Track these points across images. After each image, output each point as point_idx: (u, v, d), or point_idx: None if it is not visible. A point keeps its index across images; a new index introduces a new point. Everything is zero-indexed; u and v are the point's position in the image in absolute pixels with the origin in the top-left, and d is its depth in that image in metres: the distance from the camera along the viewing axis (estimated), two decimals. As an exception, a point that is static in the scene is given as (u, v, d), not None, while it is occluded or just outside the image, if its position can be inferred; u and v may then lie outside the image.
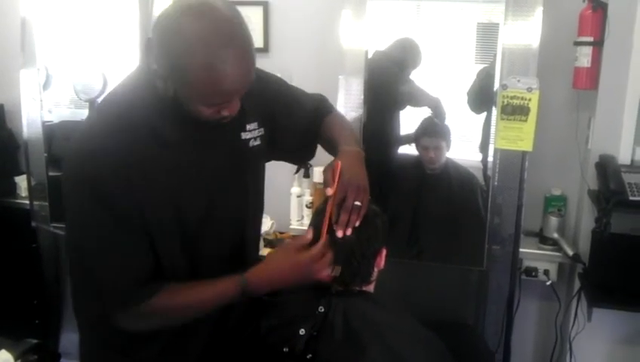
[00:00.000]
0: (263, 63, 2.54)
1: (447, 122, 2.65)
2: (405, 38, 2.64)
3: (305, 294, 1.50)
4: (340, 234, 1.38)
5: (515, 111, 2.27)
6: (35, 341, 2.18)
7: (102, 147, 1.22)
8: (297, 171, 2.75)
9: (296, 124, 1.55)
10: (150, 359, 1.44)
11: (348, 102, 2.49)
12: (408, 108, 2.73)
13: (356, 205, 1.38)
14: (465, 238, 2.65)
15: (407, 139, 2.78)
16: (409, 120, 2.73)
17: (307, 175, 2.80)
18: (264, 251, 2.69)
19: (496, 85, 2.31)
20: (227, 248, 1.45)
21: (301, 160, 1.65)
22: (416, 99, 2.69)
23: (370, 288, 1.53)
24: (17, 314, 3.08)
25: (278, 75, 2.71)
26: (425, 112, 2.68)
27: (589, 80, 2.33)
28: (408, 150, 2.76)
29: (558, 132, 2.53)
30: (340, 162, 1.38)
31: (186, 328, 1.43)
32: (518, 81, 2.23)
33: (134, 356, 1.43)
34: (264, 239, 2.75)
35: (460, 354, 2.05)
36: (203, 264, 1.40)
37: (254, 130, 1.45)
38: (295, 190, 2.82)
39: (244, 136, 1.43)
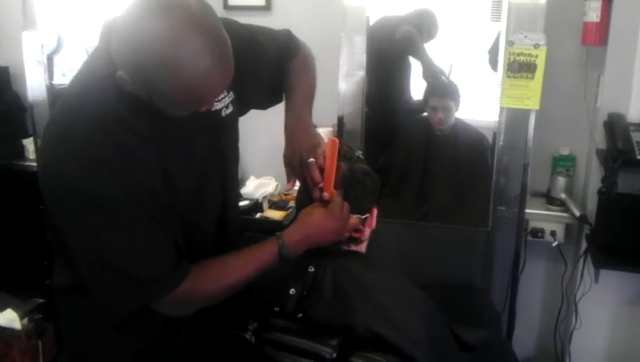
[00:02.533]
0: (264, 22, 2.50)
1: (457, 82, 2.60)
2: (424, 8, 2.59)
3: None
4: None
5: (521, 68, 2.22)
6: (40, 300, 2.22)
7: (79, 154, 1.13)
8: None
9: (262, 77, 1.50)
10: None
11: (350, 61, 2.44)
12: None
13: (310, 161, 1.37)
14: (471, 199, 2.62)
15: (420, 105, 2.73)
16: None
17: (312, 136, 2.76)
18: (269, 212, 2.69)
19: (503, 42, 2.24)
20: (212, 216, 1.42)
21: (270, 105, 1.60)
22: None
23: (362, 248, 1.52)
24: (28, 275, 3.13)
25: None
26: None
27: (598, 35, 2.25)
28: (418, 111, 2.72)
29: (566, 90, 2.46)
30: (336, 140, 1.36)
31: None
32: (525, 37, 2.17)
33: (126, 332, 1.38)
34: (269, 201, 2.74)
35: (465, 315, 2.05)
36: (195, 235, 1.35)
37: (224, 97, 1.39)
38: (300, 151, 2.77)
39: (216, 106, 1.37)
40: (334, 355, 1.30)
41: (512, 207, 2.38)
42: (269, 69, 1.51)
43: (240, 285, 1.32)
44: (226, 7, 2.81)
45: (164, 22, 1.02)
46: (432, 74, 2.63)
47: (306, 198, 1.42)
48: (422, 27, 2.60)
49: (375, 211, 1.51)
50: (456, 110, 2.64)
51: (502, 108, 2.30)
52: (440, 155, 2.74)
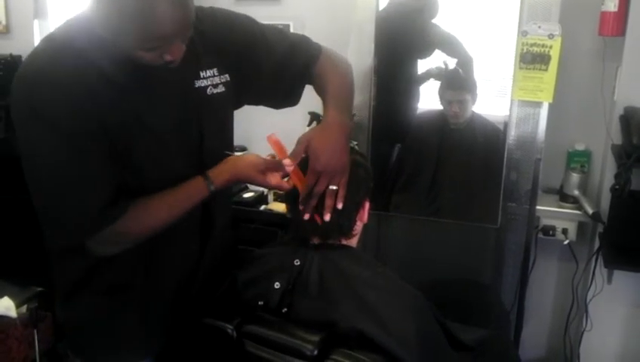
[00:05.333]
0: (273, 11, 2.47)
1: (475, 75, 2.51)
2: None
3: (283, 247, 1.45)
4: (306, 217, 1.36)
5: (534, 59, 2.15)
6: (39, 289, 2.21)
7: (48, 70, 1.18)
8: (310, 123, 2.68)
9: (264, 69, 1.47)
10: (123, 306, 1.42)
11: (359, 51, 2.39)
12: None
13: (331, 189, 1.33)
14: (483, 195, 2.55)
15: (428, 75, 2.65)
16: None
17: (320, 127, 2.71)
18: (274, 205, 2.65)
19: (516, 32, 2.17)
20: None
21: (281, 106, 1.57)
22: (450, 45, 2.55)
23: (352, 242, 1.46)
24: (26, 263, 3.13)
25: (290, 23, 2.69)
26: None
27: (615, 26, 2.15)
28: (432, 103, 2.64)
29: (582, 82, 2.37)
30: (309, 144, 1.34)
31: (153, 286, 1.41)
32: (539, 27, 2.11)
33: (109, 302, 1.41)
34: (274, 193, 2.70)
35: (474, 312, 2.00)
36: None
37: (213, 76, 1.38)
38: (308, 142, 2.73)
39: (200, 83, 1.36)
40: (315, 352, 1.24)
41: (522, 204, 2.33)
42: (274, 64, 1.46)
43: (170, 221, 1.34)
44: (236, -3, 2.77)
45: None
46: (468, 69, 2.55)
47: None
48: (423, 9, 2.52)
49: (367, 204, 1.45)
50: (473, 104, 2.56)
51: (513, 101, 2.24)
52: (454, 150, 2.66)
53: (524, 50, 2.14)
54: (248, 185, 2.73)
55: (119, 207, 1.26)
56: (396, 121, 2.72)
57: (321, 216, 1.35)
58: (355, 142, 1.53)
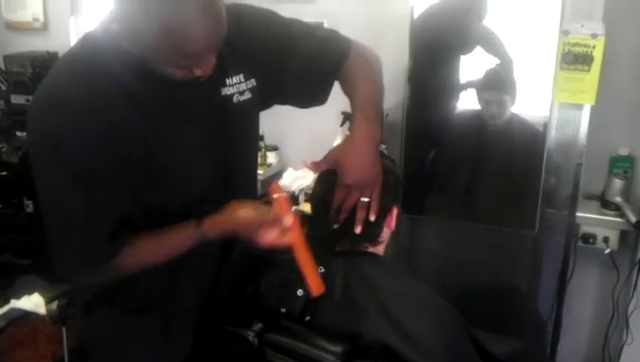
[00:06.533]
0: (307, 9, 2.43)
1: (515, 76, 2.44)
2: None
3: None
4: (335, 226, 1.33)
5: (576, 60, 2.06)
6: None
7: (63, 96, 1.13)
8: (343, 123, 2.63)
9: (297, 69, 1.39)
10: (145, 327, 1.39)
11: (394, 49, 2.33)
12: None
13: (362, 201, 1.30)
14: (520, 200, 2.47)
15: (469, 85, 2.59)
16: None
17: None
18: (304, 206, 2.61)
19: (557, 31, 2.08)
20: (206, 205, 1.32)
21: (309, 105, 1.51)
22: (492, 43, 2.48)
23: (379, 249, 1.41)
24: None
25: (324, 20, 2.64)
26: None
27: (663, 25, 2.06)
28: (470, 104, 2.57)
29: (626, 84, 2.26)
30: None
31: (176, 294, 1.37)
32: (582, 26, 2.02)
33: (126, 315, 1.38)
34: (305, 193, 2.66)
35: (509, 321, 1.93)
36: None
37: (240, 83, 1.32)
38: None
39: (226, 91, 1.30)
40: (337, 364, 1.20)
41: (562, 210, 2.24)
42: (302, 63, 1.39)
43: (155, 264, 1.28)
44: (269, -6, 2.73)
45: None
46: (508, 69, 2.48)
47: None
48: (471, 10, 2.45)
49: (395, 211, 1.40)
50: (512, 105, 2.48)
51: (553, 103, 2.15)
52: (492, 151, 2.58)
53: (566, 50, 2.05)
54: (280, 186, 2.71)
55: (117, 246, 1.22)
56: (432, 122, 2.66)
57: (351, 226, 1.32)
58: (384, 146, 1.48)
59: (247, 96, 1.34)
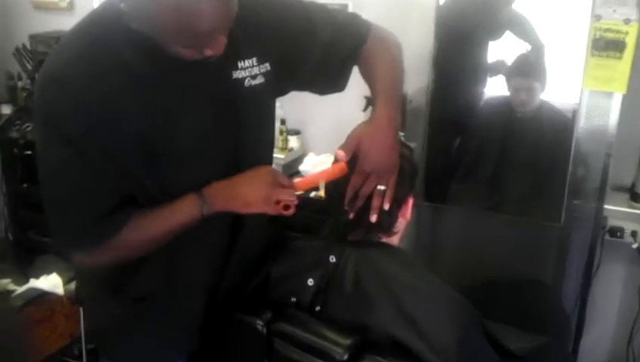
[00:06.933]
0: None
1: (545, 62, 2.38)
2: None
3: (320, 241, 1.38)
4: (350, 216, 1.29)
5: (608, 46, 1.99)
6: (87, 266, 2.22)
7: (65, 75, 1.12)
8: (366, 108, 2.58)
9: (308, 56, 1.36)
10: (150, 316, 1.37)
11: (420, 32, 2.29)
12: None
13: (379, 189, 1.26)
14: (546, 190, 2.41)
15: (496, 68, 2.52)
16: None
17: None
18: (324, 191, 2.57)
19: (588, 16, 2.00)
20: None
21: (327, 92, 1.47)
22: (523, 27, 2.42)
23: (393, 240, 1.37)
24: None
25: (349, 3, 2.59)
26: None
27: (700, 11, 1.96)
28: (497, 90, 2.50)
29: (660, 72, 2.17)
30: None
31: (178, 292, 1.35)
32: (614, 10, 1.94)
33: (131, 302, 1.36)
34: (326, 179, 2.62)
35: (532, 313, 1.89)
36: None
37: (252, 66, 1.28)
38: (363, 128, 2.64)
39: (237, 75, 1.26)
40: (345, 357, 1.17)
41: (589, 202, 2.19)
42: (320, 49, 1.36)
43: (154, 245, 1.26)
44: (295, -26, 2.68)
45: None
46: (539, 55, 2.40)
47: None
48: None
49: (411, 201, 1.36)
50: (542, 91, 2.41)
51: (583, 91, 2.08)
52: (520, 139, 2.52)
53: (597, 36, 1.98)
54: (301, 171, 2.68)
55: (118, 221, 1.21)
56: (458, 109, 2.60)
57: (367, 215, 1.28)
58: (402, 134, 1.43)
59: (260, 80, 1.30)
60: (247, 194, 1.24)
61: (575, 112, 2.15)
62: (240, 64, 1.27)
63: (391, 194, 1.28)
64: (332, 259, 1.30)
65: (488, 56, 2.52)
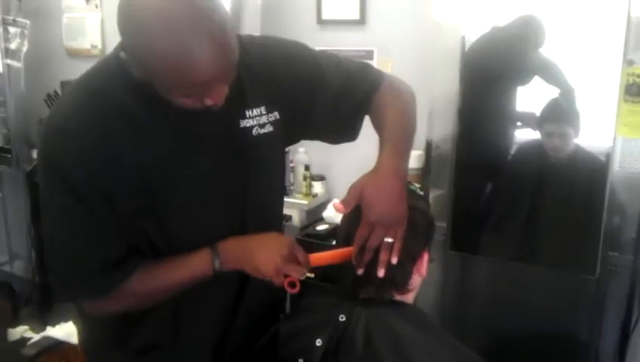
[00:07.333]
0: (357, 37, 2.36)
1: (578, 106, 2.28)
2: (530, 15, 2.31)
3: (330, 298, 1.31)
4: (359, 272, 1.21)
5: (641, 92, 1.90)
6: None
7: (66, 124, 1.11)
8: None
9: (326, 104, 1.32)
10: None
11: (444, 79, 2.27)
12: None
13: (386, 242, 1.18)
14: (581, 241, 2.30)
15: (528, 120, 2.45)
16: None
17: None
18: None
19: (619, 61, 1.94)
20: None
21: (339, 141, 1.43)
22: (552, 72, 2.35)
23: (408, 298, 1.29)
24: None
25: (374, 49, 2.57)
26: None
27: None
28: (529, 135, 2.43)
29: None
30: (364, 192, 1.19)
31: (184, 345, 1.31)
32: (647, 55, 1.86)
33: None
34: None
35: None
36: None
37: (260, 115, 1.26)
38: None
39: (245, 123, 1.24)
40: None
41: (626, 253, 2.08)
42: (330, 98, 1.33)
43: (164, 297, 1.24)
44: (320, 21, 2.67)
45: None
46: (570, 99, 2.34)
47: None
48: (528, 37, 2.33)
49: (426, 256, 1.28)
50: (576, 136, 2.33)
51: (616, 137, 2.01)
52: (553, 186, 2.43)
53: (630, 82, 1.91)
54: (324, 217, 2.63)
55: (122, 273, 1.18)
56: (487, 154, 2.52)
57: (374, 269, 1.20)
58: (418, 185, 1.37)
59: (269, 129, 1.28)
60: (261, 259, 1.21)
61: (609, 156, 2.06)
62: (248, 113, 1.25)
63: (399, 247, 1.20)
64: (342, 318, 1.23)
65: (517, 102, 2.45)
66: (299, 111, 1.32)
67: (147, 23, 0.97)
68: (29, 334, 2.22)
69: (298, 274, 1.21)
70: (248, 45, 1.26)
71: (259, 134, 1.26)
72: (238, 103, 1.21)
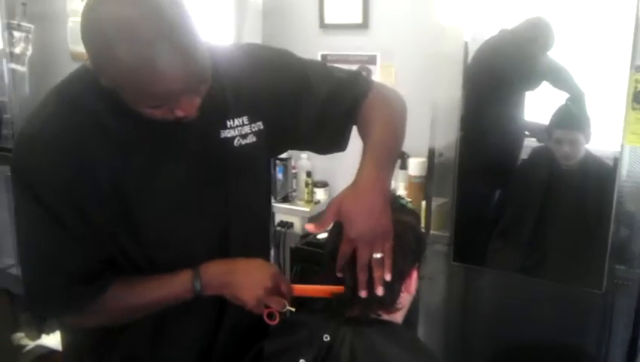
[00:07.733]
0: (360, 41, 2.32)
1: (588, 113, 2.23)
2: (538, 17, 2.27)
3: (317, 317, 1.26)
4: (363, 294, 1.15)
5: (651, 99, 1.84)
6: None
7: (38, 133, 1.09)
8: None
9: (312, 114, 1.28)
10: None
11: (447, 84, 2.22)
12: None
13: (376, 258, 1.12)
14: (586, 253, 2.23)
15: (537, 131, 2.39)
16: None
17: (404, 166, 2.51)
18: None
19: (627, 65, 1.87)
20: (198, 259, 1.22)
21: (328, 151, 1.39)
22: (560, 75, 2.29)
23: (396, 317, 1.24)
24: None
25: (377, 54, 2.53)
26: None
27: None
28: (538, 142, 2.39)
29: None
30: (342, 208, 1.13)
31: (169, 359, 1.28)
32: (657, 62, 1.80)
33: None
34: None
35: None
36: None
37: (242, 125, 1.22)
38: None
39: (226, 134, 1.20)
40: None
41: (634, 267, 2.02)
42: (317, 108, 1.29)
43: (139, 315, 1.20)
44: (323, 25, 2.64)
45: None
46: (580, 104, 2.28)
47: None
48: (537, 39, 2.27)
49: (415, 274, 1.23)
50: (586, 143, 2.26)
51: (624, 146, 1.94)
52: (563, 194, 2.37)
53: (638, 89, 1.84)
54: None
55: (96, 288, 1.14)
56: (493, 161, 2.47)
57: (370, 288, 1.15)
58: (409, 200, 1.31)
59: (252, 139, 1.24)
60: (242, 287, 1.18)
61: (616, 161, 2.00)
62: (229, 123, 1.21)
63: (389, 263, 1.14)
64: (326, 337, 1.18)
65: (524, 107, 2.39)
66: (284, 120, 1.28)
67: (109, 33, 0.94)
68: (24, 341, 2.20)
69: (279, 306, 1.18)
70: (231, 54, 1.24)
71: (240, 144, 1.22)
72: (218, 113, 1.18)
